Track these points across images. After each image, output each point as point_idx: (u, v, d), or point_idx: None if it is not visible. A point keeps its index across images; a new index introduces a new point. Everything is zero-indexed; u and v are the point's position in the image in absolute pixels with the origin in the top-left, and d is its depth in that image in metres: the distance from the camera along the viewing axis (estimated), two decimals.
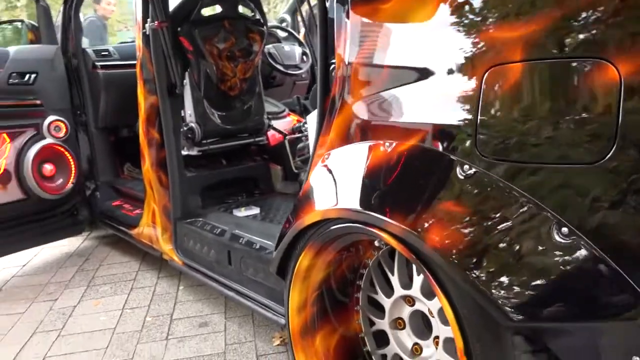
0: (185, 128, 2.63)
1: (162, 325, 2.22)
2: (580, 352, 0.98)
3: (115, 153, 3.40)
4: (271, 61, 3.46)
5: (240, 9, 2.80)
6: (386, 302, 1.41)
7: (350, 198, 1.27)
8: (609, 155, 0.88)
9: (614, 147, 0.87)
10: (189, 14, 2.59)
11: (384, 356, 1.46)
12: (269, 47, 3.48)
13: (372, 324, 1.48)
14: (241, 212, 2.47)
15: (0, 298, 2.62)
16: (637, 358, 0.89)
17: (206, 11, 2.69)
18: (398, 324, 1.40)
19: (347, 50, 1.35)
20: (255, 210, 2.50)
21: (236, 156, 2.91)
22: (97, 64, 3.20)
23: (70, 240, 3.27)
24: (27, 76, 2.87)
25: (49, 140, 2.86)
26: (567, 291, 0.93)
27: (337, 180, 1.34)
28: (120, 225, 2.94)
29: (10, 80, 2.79)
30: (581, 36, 0.92)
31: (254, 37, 2.72)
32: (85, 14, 4.78)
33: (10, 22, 4.20)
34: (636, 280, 0.87)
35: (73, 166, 2.97)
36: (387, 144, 1.22)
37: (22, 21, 3.46)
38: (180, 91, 2.48)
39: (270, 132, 2.95)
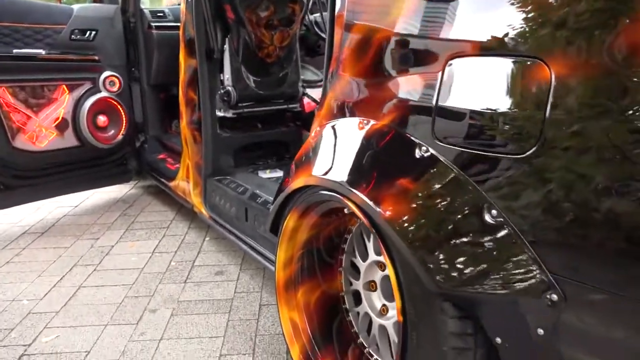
0: (222, 91, 2.78)
1: (184, 270, 2.44)
2: (499, 321, 1.07)
3: (165, 109, 3.63)
4: (317, 30, 3.54)
5: None
6: (362, 266, 1.53)
7: (326, 169, 1.39)
8: (534, 149, 0.95)
9: (539, 142, 0.94)
10: None
11: (359, 314, 1.59)
12: (316, 16, 3.54)
13: (351, 284, 1.61)
14: (266, 174, 2.63)
15: (51, 233, 2.94)
16: (541, 330, 0.97)
17: None
18: (371, 286, 1.52)
19: (342, 27, 1.45)
20: (279, 173, 2.65)
21: (271, 121, 3.05)
22: (152, 24, 3.41)
23: (119, 187, 3.57)
24: (87, 33, 3.10)
25: (103, 94, 3.11)
26: (488, 265, 1.01)
27: (318, 153, 1.46)
28: (162, 177, 3.18)
29: (72, 36, 3.03)
30: (521, 36, 0.98)
31: (294, 8, 2.81)
32: None
33: None
34: (545, 261, 0.95)
35: (124, 119, 3.22)
36: (361, 122, 1.33)
37: None
38: (217, 56, 2.63)
39: (306, 100, 3.07)
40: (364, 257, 1.52)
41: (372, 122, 1.31)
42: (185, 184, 2.81)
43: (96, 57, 3.13)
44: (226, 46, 2.76)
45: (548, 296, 0.94)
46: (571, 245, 0.92)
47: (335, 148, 1.41)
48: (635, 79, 0.84)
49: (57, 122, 2.96)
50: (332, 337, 1.63)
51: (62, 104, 3.01)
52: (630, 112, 0.84)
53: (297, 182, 1.50)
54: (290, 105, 3.01)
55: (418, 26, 1.21)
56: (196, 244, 2.73)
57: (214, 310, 2.08)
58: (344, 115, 1.43)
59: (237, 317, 2.04)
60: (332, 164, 1.39)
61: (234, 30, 2.75)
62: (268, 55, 2.86)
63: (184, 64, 2.67)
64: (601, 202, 0.87)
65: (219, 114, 2.79)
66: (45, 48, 2.91)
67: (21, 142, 2.84)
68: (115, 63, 3.24)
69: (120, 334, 1.94)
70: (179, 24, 3.34)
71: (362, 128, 1.34)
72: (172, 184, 2.99)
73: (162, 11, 3.54)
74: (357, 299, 1.60)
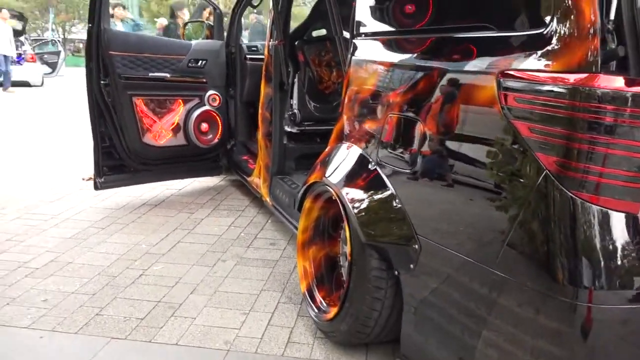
0: (290, 112, 3.75)
1: (249, 239, 3.42)
2: (397, 260, 1.89)
3: (252, 121, 4.66)
4: None
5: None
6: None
7: (328, 172, 2.28)
8: (415, 167, 1.79)
9: (418, 163, 1.78)
10: (304, 33, 3.71)
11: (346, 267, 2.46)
12: None
13: (343, 249, 2.49)
14: None
15: (161, 206, 4.07)
16: (412, 265, 1.80)
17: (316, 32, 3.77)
18: None
19: (346, 85, 2.34)
20: None
21: (326, 137, 3.95)
22: (247, 56, 4.47)
23: (212, 178, 4.66)
24: (200, 62, 4.19)
25: (207, 107, 4.19)
26: (392, 228, 1.86)
27: (326, 162, 2.36)
28: (243, 173, 4.21)
29: (189, 64, 4.13)
30: (412, 107, 1.84)
31: None
32: None
33: (196, 21, 5.70)
34: (415, 226, 1.78)
35: (220, 127, 4.28)
36: (349, 146, 2.22)
37: (203, 22, 4.85)
38: (287, 88, 3.60)
39: None
40: None
41: (354, 146, 2.20)
42: (258, 180, 3.80)
43: (204, 80, 4.21)
44: (295, 79, 3.73)
45: (414, 246, 1.78)
46: (424, 219, 1.76)
47: (335, 160, 2.31)
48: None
49: (173, 126, 4.07)
50: (331, 282, 2.52)
51: (178, 113, 4.12)
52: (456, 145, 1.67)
53: (312, 178, 2.41)
54: None
55: (377, 92, 2.08)
56: (261, 223, 3.71)
57: (263, 265, 3.03)
58: (342, 141, 2.33)
59: (278, 271, 2.97)
60: (331, 169, 2.28)
61: (302, 68, 3.72)
62: (326, 88, 3.81)
63: (263, 91, 3.65)
64: (437, 198, 1.71)
65: (287, 129, 3.76)
66: (170, 72, 4.02)
67: (148, 139, 3.96)
68: (217, 84, 4.30)
69: (201, 271, 2.94)
70: None
71: (349, 149, 2.23)
72: (249, 179, 4.00)
73: (256, 46, 4.60)
74: (346, 258, 2.47)
